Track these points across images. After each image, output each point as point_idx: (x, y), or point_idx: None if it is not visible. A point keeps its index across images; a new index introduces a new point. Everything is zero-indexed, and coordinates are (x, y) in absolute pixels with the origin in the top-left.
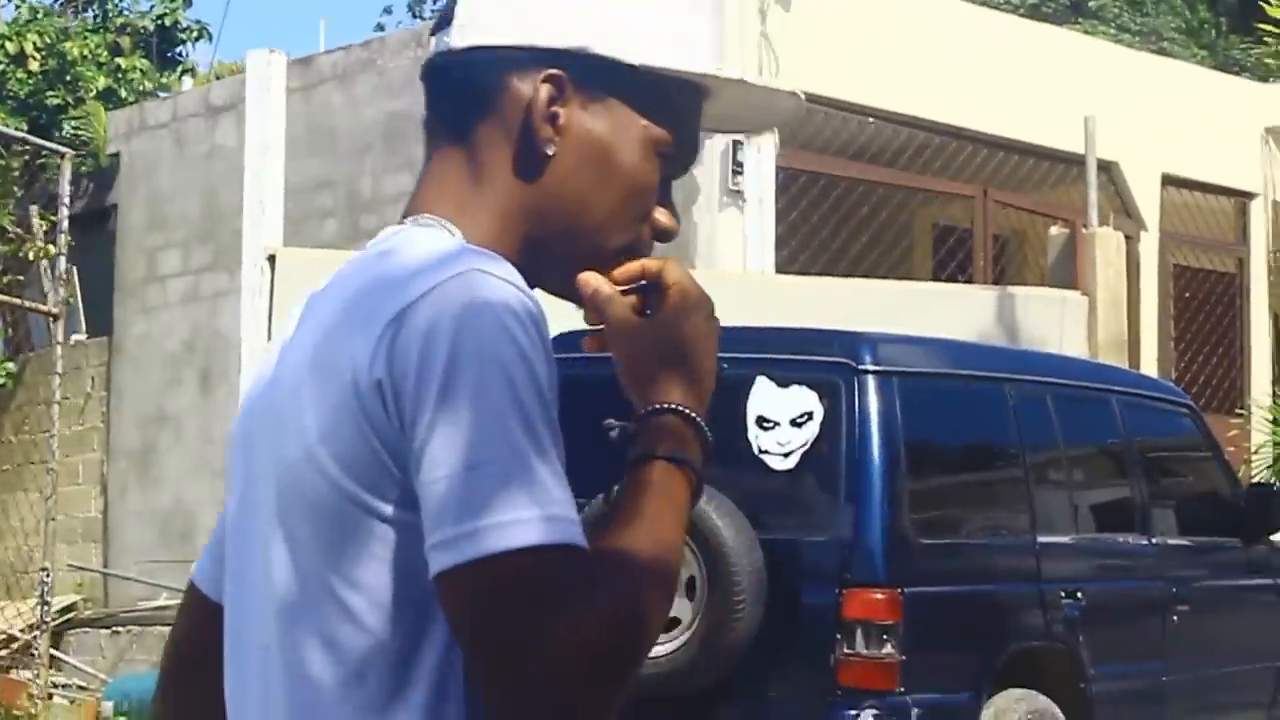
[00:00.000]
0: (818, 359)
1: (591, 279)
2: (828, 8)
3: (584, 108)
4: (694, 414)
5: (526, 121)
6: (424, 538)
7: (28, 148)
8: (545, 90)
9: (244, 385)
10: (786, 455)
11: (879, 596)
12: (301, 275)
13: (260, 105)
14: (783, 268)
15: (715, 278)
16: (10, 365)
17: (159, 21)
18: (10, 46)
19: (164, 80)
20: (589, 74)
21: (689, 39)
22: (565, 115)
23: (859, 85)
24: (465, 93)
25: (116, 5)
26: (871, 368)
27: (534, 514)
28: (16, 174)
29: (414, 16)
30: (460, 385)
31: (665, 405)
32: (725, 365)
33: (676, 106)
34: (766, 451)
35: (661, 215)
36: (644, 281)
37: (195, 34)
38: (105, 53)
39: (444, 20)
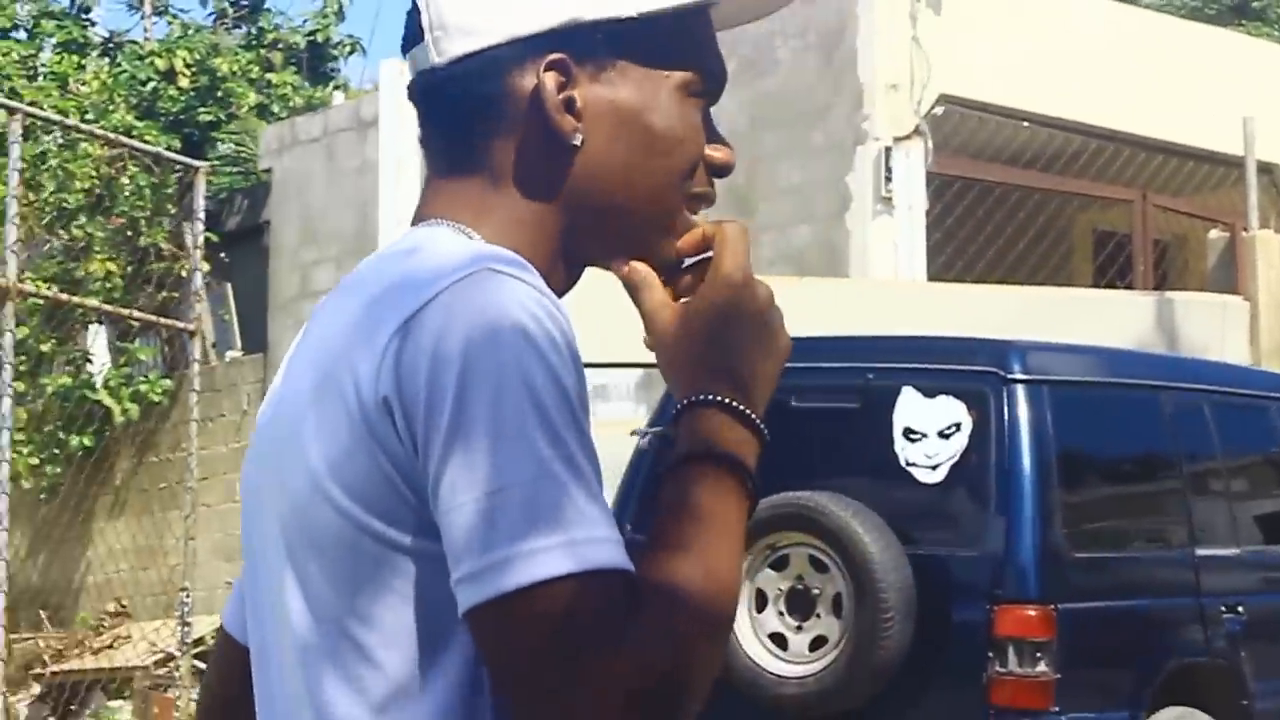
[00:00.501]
0: (965, 368)
1: (637, 266)
2: (979, 11)
3: (597, 81)
4: (739, 405)
5: (542, 119)
6: (447, 570)
7: (179, 165)
8: (551, 79)
9: None
10: (934, 468)
11: (1032, 613)
12: None
13: (395, 118)
14: (937, 276)
15: (867, 286)
16: (166, 383)
17: (311, 37)
18: (160, 63)
19: (315, 95)
20: (589, 44)
21: None
22: (581, 97)
23: (1013, 89)
24: (464, 109)
25: (270, 21)
26: (1021, 377)
27: (565, 538)
28: (170, 191)
29: None
30: (476, 399)
31: (706, 397)
32: (871, 375)
33: (689, 36)
34: (914, 464)
35: (714, 151)
36: (710, 252)
37: (348, 49)
38: (256, 69)
39: (411, 36)
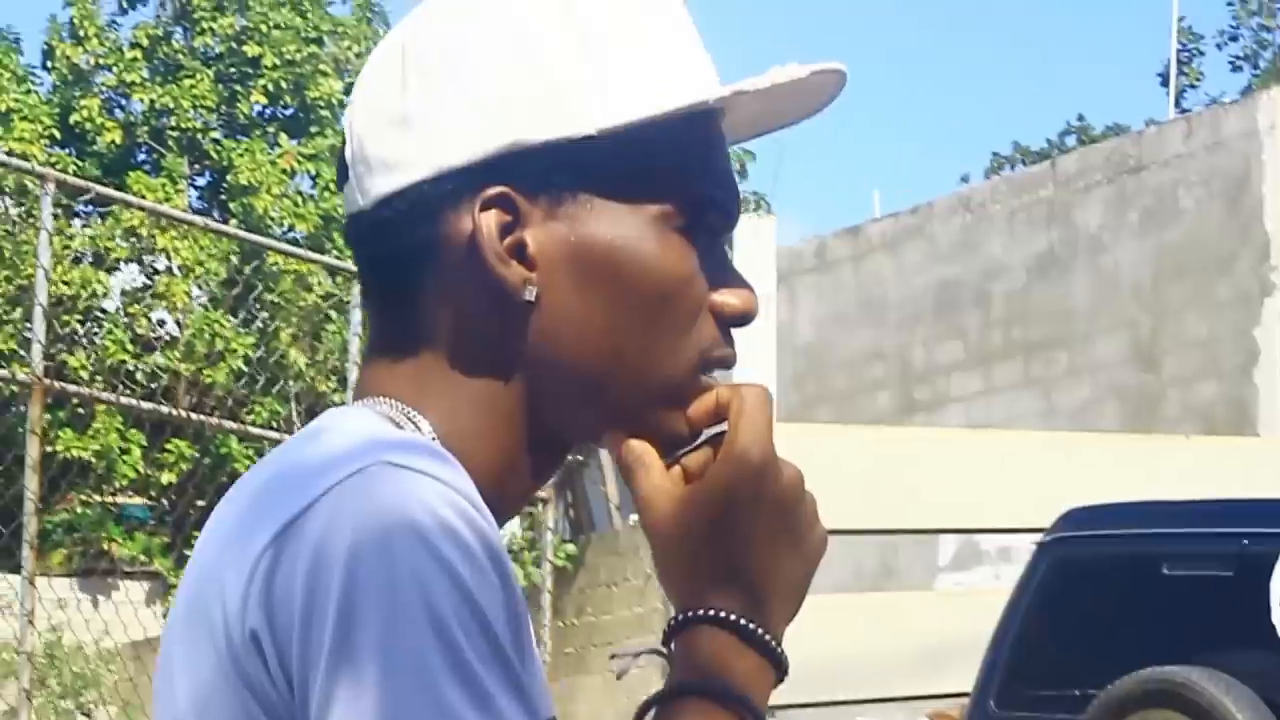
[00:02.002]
0: None
1: (633, 444)
2: None
3: (554, 218)
4: (748, 623)
5: (481, 268)
6: None
7: None
8: (490, 219)
9: None
10: None
11: None
12: (788, 454)
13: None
14: None
15: (1277, 446)
16: (570, 547)
17: None
18: None
19: None
20: (541, 173)
21: (661, 54)
22: (532, 239)
23: None
24: (395, 263)
25: None
26: None
27: None
28: None
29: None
30: (362, 630)
31: (706, 612)
32: (1246, 540)
33: (679, 153)
34: None
35: (726, 297)
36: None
37: (753, 205)
38: None
39: (342, 172)
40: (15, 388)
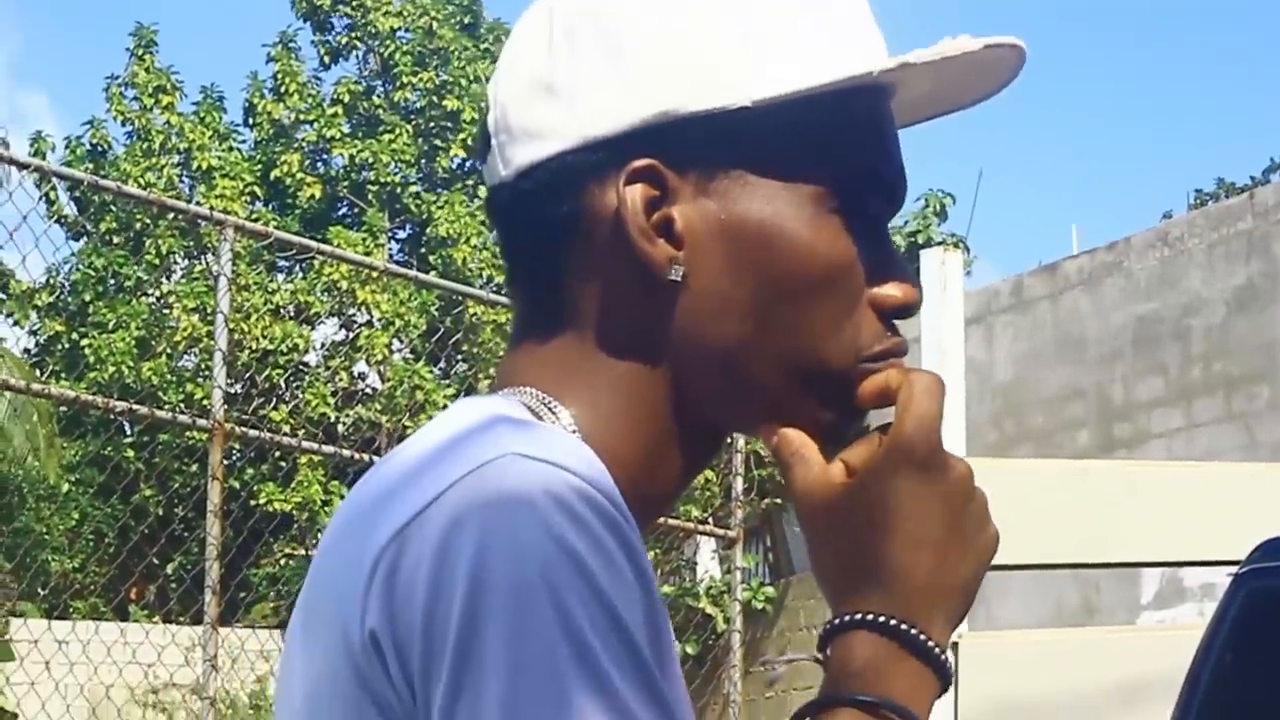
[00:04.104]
0: None
1: (789, 435)
2: None
3: (704, 194)
4: (909, 628)
5: (626, 245)
6: None
7: None
8: (636, 193)
9: None
10: None
11: None
12: (987, 489)
13: (935, 308)
14: None
15: None
16: (769, 590)
17: (912, 238)
18: None
19: None
20: (692, 146)
21: (824, 24)
22: (681, 216)
23: None
24: (538, 238)
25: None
26: None
27: None
28: None
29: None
30: (487, 633)
31: (863, 615)
32: None
33: (841, 130)
34: None
35: (887, 289)
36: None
37: (952, 246)
38: None
39: (485, 142)
40: (200, 435)
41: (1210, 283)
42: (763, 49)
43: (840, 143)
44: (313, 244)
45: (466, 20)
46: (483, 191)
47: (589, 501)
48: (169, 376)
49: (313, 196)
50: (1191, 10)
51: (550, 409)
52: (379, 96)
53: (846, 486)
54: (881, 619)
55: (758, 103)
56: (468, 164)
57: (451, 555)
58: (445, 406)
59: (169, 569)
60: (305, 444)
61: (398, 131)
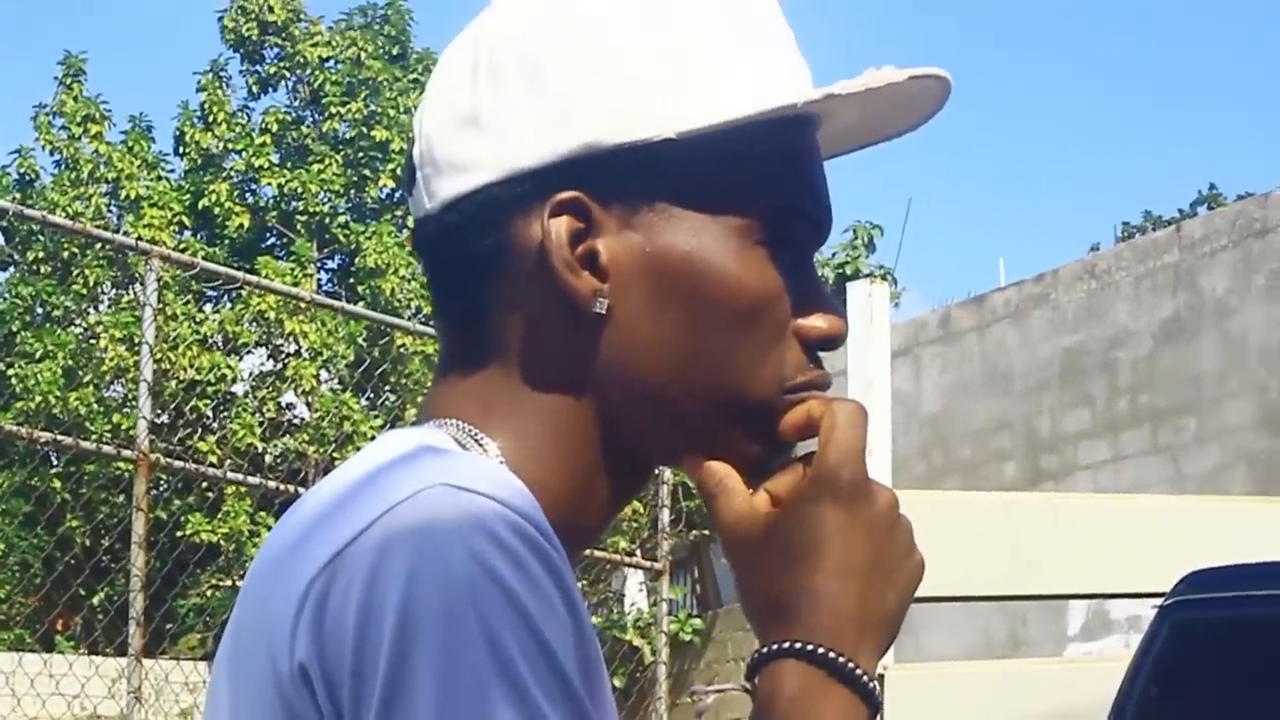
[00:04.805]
0: None
1: (713, 467)
2: None
3: (630, 226)
4: (837, 656)
5: (550, 277)
6: None
7: None
8: (561, 226)
9: None
10: None
11: None
12: (914, 521)
13: (862, 340)
14: None
15: None
16: (697, 623)
17: (840, 270)
18: None
19: None
20: (617, 178)
21: (748, 55)
22: (606, 249)
23: None
24: (463, 270)
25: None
26: None
27: None
28: None
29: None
30: (417, 662)
31: (791, 644)
32: None
33: (768, 161)
34: None
35: (812, 321)
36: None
37: (879, 279)
38: None
39: (411, 174)
40: (126, 465)
41: (1137, 315)
42: (687, 80)
43: (766, 174)
44: (239, 274)
45: (395, 51)
46: (411, 222)
47: (517, 531)
48: (96, 407)
49: (241, 226)
50: (1120, 43)
51: (477, 440)
52: (308, 126)
53: (771, 517)
54: (809, 647)
55: (682, 135)
56: (396, 194)
57: (381, 586)
58: (373, 437)
59: (95, 600)
60: (231, 475)
61: (327, 161)
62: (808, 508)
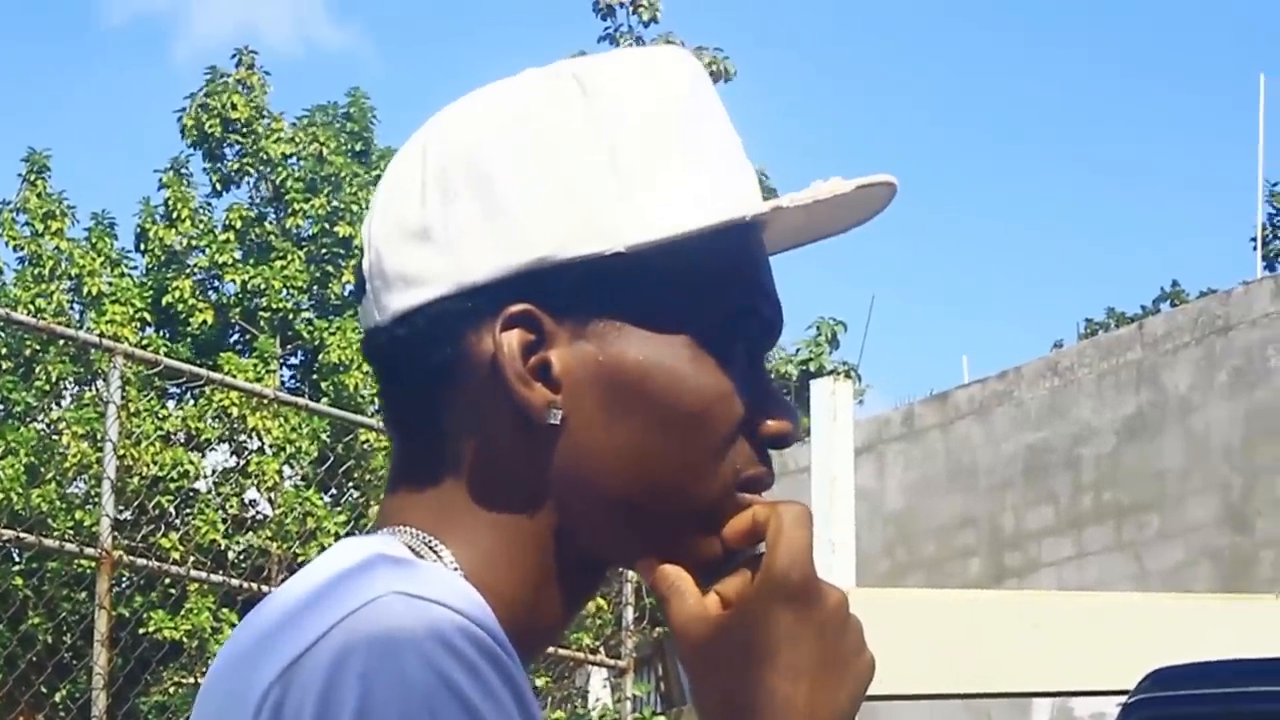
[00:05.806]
0: None
1: (665, 570)
2: None
3: (581, 337)
4: None
5: (503, 389)
6: None
7: None
8: (513, 339)
9: None
10: None
11: None
12: (879, 618)
13: (826, 437)
14: None
15: None
16: (662, 718)
17: (804, 367)
18: None
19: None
20: (570, 290)
21: (696, 166)
22: (558, 360)
23: None
24: (414, 383)
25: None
26: None
27: None
28: None
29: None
30: None
31: None
32: None
33: (717, 269)
34: None
35: (764, 423)
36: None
37: (843, 375)
38: None
39: (360, 284)
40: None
41: (1100, 412)
42: (636, 193)
43: (716, 282)
44: (202, 371)
45: (358, 147)
46: (362, 332)
47: (470, 638)
48: (58, 503)
49: (204, 322)
50: (1081, 139)
51: (432, 548)
52: (270, 223)
53: (723, 619)
54: None
55: (631, 248)
56: None
57: (337, 695)
58: (337, 534)
59: (57, 698)
60: (194, 573)
61: (289, 258)
62: (759, 609)
